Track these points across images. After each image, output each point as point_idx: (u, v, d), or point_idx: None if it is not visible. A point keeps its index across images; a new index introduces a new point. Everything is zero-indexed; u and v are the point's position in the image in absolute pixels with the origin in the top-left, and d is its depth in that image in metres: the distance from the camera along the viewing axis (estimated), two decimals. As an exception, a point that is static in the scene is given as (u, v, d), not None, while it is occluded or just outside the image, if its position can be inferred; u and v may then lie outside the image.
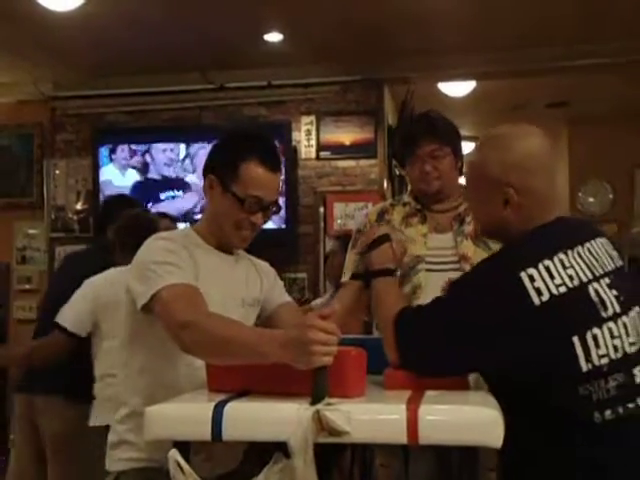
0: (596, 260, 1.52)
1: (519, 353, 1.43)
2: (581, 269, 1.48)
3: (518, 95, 5.81)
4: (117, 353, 1.91)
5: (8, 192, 5.51)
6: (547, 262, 1.46)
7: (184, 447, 1.36)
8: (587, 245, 1.53)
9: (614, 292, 1.49)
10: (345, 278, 2.34)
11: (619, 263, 1.57)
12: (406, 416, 1.29)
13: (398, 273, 1.96)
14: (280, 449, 1.31)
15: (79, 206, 5.41)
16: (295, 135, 5.17)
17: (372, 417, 1.33)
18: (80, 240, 5.05)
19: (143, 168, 5.23)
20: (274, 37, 4.64)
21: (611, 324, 1.46)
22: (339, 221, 5.10)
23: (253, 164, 1.76)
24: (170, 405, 1.43)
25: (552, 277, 1.45)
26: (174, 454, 1.31)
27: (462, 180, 2.21)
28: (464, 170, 1.87)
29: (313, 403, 1.31)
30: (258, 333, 1.52)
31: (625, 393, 1.43)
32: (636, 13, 4.23)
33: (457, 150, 2.32)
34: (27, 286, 5.41)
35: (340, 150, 5.18)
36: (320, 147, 5.20)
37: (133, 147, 5.24)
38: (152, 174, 5.21)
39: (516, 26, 4.46)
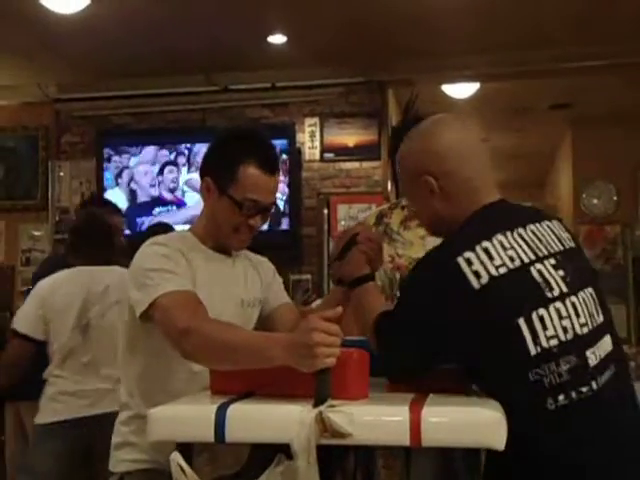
0: (539, 241, 1.48)
1: (468, 341, 1.41)
2: (522, 250, 1.45)
3: (521, 97, 5.81)
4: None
5: (13, 194, 5.53)
6: (485, 244, 1.43)
7: (187, 449, 1.37)
8: (530, 227, 1.50)
9: (560, 272, 1.45)
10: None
11: (570, 244, 1.53)
12: (409, 418, 1.29)
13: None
14: (283, 451, 1.31)
15: (83, 208, 5.42)
16: (299, 137, 5.18)
17: (375, 419, 1.33)
18: (84, 242, 5.05)
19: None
20: (278, 39, 4.65)
21: (558, 304, 1.41)
22: (343, 223, 5.10)
23: (251, 167, 1.73)
24: (173, 407, 1.43)
25: (491, 258, 1.41)
26: (176, 457, 1.32)
27: None
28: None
29: (316, 405, 1.31)
30: (260, 337, 1.51)
31: (578, 377, 1.38)
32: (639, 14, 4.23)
33: None
34: (31, 287, 5.41)
35: (344, 152, 5.18)
36: (324, 149, 5.20)
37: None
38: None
39: (519, 28, 4.46)
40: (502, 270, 1.41)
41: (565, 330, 1.40)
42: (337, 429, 1.28)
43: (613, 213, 6.44)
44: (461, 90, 5.51)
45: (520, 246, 1.45)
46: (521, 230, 1.48)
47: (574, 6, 4.17)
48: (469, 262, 1.41)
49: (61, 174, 5.48)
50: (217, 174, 1.77)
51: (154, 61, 4.88)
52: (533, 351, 1.38)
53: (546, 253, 1.47)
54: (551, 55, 4.84)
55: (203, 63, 4.95)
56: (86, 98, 5.43)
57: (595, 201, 6.50)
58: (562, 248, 1.51)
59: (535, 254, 1.46)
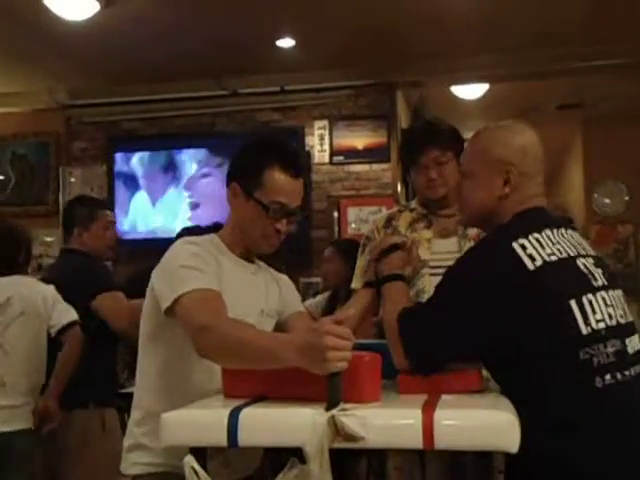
0: (578, 243, 1.60)
1: (519, 319, 1.45)
2: (567, 246, 1.56)
3: (531, 97, 5.79)
4: None
5: (24, 200, 5.56)
6: (536, 235, 1.53)
7: (200, 453, 1.37)
8: (568, 230, 1.62)
9: (599, 270, 1.56)
10: (355, 284, 2.34)
11: (594, 252, 1.64)
12: (422, 421, 1.29)
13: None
14: (295, 455, 1.31)
15: (95, 214, 5.44)
16: (308, 140, 5.19)
17: (387, 422, 1.32)
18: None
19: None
20: (287, 43, 4.66)
21: (603, 293, 1.52)
22: (353, 225, 5.10)
23: (276, 170, 1.77)
24: (186, 411, 1.43)
25: (542, 247, 1.51)
26: (190, 460, 1.32)
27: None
28: (462, 155, 1.84)
29: (328, 409, 1.31)
30: (274, 338, 1.53)
31: (621, 360, 1.46)
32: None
33: (459, 153, 2.34)
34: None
35: (353, 154, 5.18)
36: (333, 152, 5.20)
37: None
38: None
39: (528, 28, 4.45)
40: (553, 258, 1.51)
41: (610, 317, 1.50)
42: (350, 433, 1.28)
43: (625, 213, 6.41)
44: (470, 91, 5.50)
45: (564, 241, 1.56)
46: (562, 230, 1.60)
47: (583, 6, 4.15)
48: (523, 247, 1.50)
49: (72, 180, 5.51)
50: (243, 179, 1.80)
51: (163, 66, 4.90)
52: (584, 331, 1.45)
53: (584, 253, 1.59)
54: (560, 55, 4.82)
55: (212, 67, 4.97)
56: (96, 104, 5.46)
57: (607, 201, 6.47)
58: (593, 253, 1.63)
59: (577, 251, 1.57)
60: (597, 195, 6.50)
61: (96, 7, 3.97)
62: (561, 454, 1.42)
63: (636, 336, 1.55)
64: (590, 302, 1.48)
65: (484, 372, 1.60)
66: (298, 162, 1.84)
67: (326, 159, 5.21)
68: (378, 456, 2.02)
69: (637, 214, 6.33)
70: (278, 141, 1.91)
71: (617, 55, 4.77)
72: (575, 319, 1.45)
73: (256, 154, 1.83)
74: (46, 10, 3.92)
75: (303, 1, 4.07)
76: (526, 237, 1.52)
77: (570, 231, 1.62)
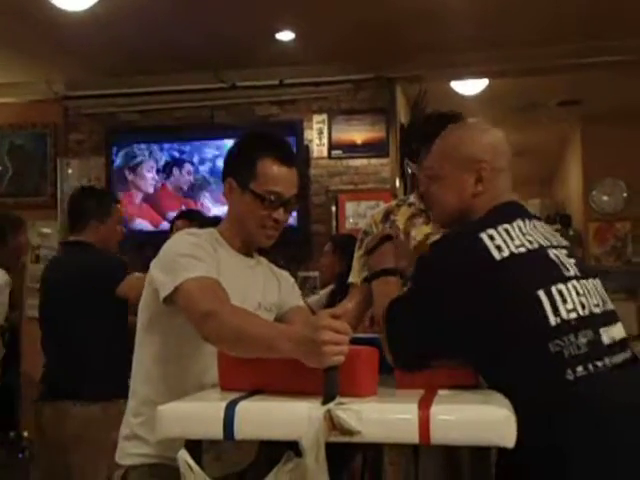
0: (551, 235, 1.61)
1: (487, 311, 1.45)
2: (539, 236, 1.56)
3: (531, 93, 5.79)
4: None
5: (21, 191, 5.55)
6: (506, 225, 1.53)
7: (196, 446, 1.37)
8: (540, 222, 1.63)
9: (572, 260, 1.56)
10: (352, 278, 2.33)
11: (567, 243, 1.65)
12: (418, 416, 1.29)
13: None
14: (291, 448, 1.31)
15: (92, 205, 5.43)
16: (307, 134, 5.18)
17: (384, 417, 1.32)
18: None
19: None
20: (286, 36, 4.64)
21: (575, 282, 1.50)
22: (351, 220, 5.09)
23: (269, 161, 1.79)
24: (182, 404, 1.43)
25: (511, 238, 1.51)
26: (183, 454, 1.32)
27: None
28: (429, 158, 1.80)
29: (324, 402, 1.31)
30: (273, 328, 1.54)
31: (594, 351, 1.44)
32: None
33: None
34: (38, 285, 5.42)
35: (352, 149, 5.18)
36: (332, 146, 5.19)
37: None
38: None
39: (528, 24, 4.44)
40: (522, 249, 1.50)
41: (582, 306, 1.48)
42: (346, 427, 1.28)
43: (623, 210, 6.42)
44: (470, 86, 5.49)
45: (536, 233, 1.56)
46: (535, 221, 1.60)
47: (584, 2, 4.14)
48: (491, 237, 1.50)
49: (70, 171, 5.49)
50: (237, 172, 1.83)
51: (162, 58, 4.89)
52: (553, 322, 1.43)
53: (556, 244, 1.58)
54: (560, 51, 4.81)
55: (211, 60, 4.95)
56: (94, 96, 5.44)
57: (605, 198, 6.48)
58: (565, 243, 1.63)
59: (549, 241, 1.57)
60: (595, 192, 6.50)
61: (95, -2, 3.95)
62: (540, 447, 1.41)
63: (615, 326, 1.53)
64: (560, 292, 1.47)
65: None
66: (290, 151, 1.87)
67: (325, 153, 5.21)
68: (373, 451, 2.02)
69: (635, 211, 6.34)
70: (269, 133, 1.94)
71: (617, 52, 4.76)
72: (544, 310, 1.44)
73: (248, 147, 1.85)
74: (45, 1, 3.91)
75: (303, -6, 4.07)
76: (494, 228, 1.52)
77: (540, 222, 1.63)
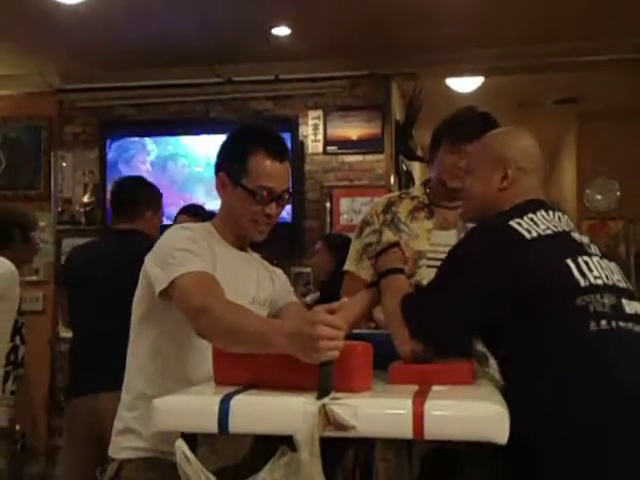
0: (573, 225, 1.74)
1: (519, 279, 1.55)
2: (563, 224, 1.69)
3: (526, 91, 5.79)
4: None
5: (15, 184, 5.53)
6: (531, 215, 1.67)
7: (191, 439, 1.37)
8: (563, 215, 1.74)
9: (594, 245, 1.69)
10: (348, 266, 2.34)
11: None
12: (412, 411, 1.30)
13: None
14: (286, 443, 1.31)
15: (86, 199, 5.42)
16: (302, 130, 5.17)
17: (378, 412, 1.33)
18: (87, 232, 5.06)
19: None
20: (282, 31, 4.64)
21: (598, 259, 1.63)
22: (345, 216, 5.10)
23: (260, 155, 1.79)
24: (177, 397, 1.44)
25: (537, 225, 1.64)
26: (181, 444, 1.32)
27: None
28: (470, 156, 1.94)
29: (319, 397, 1.31)
30: (267, 323, 1.54)
31: (618, 313, 1.54)
32: (646, 9, 4.22)
33: None
34: (34, 278, 5.41)
35: (347, 145, 5.18)
36: (327, 142, 5.19)
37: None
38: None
39: (524, 21, 4.45)
40: (548, 232, 1.64)
41: (607, 277, 1.60)
42: (340, 421, 1.28)
43: (616, 209, 6.43)
44: (465, 84, 5.50)
45: (559, 222, 1.69)
46: (558, 213, 1.73)
47: (579, 0, 4.15)
48: (519, 224, 1.63)
49: (64, 164, 5.48)
50: (229, 168, 1.82)
51: (157, 52, 4.87)
52: (582, 283, 1.55)
53: (576, 230, 1.72)
54: (556, 49, 4.82)
55: (207, 55, 4.94)
56: (89, 89, 5.42)
57: (598, 197, 6.50)
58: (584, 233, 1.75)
59: (570, 228, 1.70)
60: (589, 191, 6.52)
61: (91, -9, 3.95)
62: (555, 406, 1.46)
63: (636, 302, 1.61)
64: (586, 262, 1.59)
65: (476, 364, 1.61)
66: (282, 146, 1.86)
67: (320, 149, 5.20)
68: (365, 447, 2.03)
69: (628, 210, 6.36)
70: (261, 127, 1.93)
71: (613, 51, 4.77)
72: (572, 274, 1.56)
73: (240, 142, 1.85)
74: (40, -7, 3.90)
75: (300, -11, 4.06)
76: (521, 217, 1.65)
77: (566, 216, 1.75)
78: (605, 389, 1.45)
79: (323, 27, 4.56)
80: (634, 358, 1.50)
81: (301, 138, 5.14)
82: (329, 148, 5.19)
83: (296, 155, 4.96)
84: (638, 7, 4.21)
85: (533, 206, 1.72)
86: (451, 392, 1.46)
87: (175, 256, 1.67)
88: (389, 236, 2.28)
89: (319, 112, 5.20)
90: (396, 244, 1.91)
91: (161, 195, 3.22)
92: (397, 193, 2.47)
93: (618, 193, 6.44)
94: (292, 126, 5.02)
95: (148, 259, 1.76)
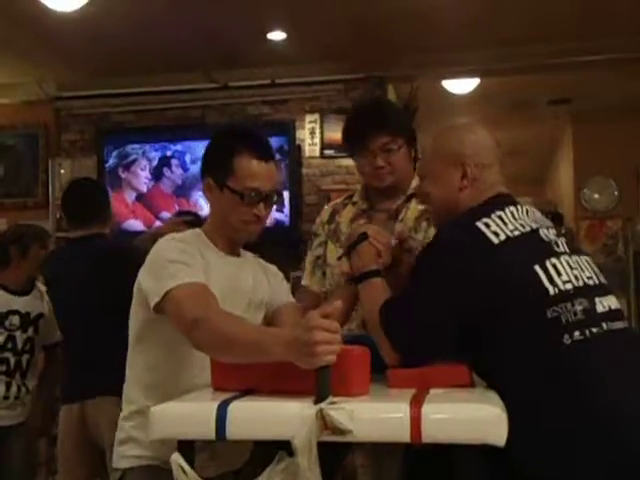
0: (540, 218, 1.70)
1: (487, 290, 1.51)
2: (529, 220, 1.64)
3: (522, 92, 5.80)
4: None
5: (13, 192, 5.52)
6: (499, 212, 1.62)
7: (188, 446, 1.37)
8: (530, 208, 1.71)
9: (561, 239, 1.64)
10: (304, 281, 2.27)
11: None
12: (409, 414, 1.30)
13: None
14: (284, 448, 1.31)
15: (84, 206, 5.42)
16: (299, 133, 5.17)
17: (375, 416, 1.33)
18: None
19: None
20: (277, 36, 4.64)
21: (567, 257, 1.59)
22: (343, 219, 5.09)
23: (245, 157, 1.78)
24: (174, 404, 1.43)
25: (505, 224, 1.59)
26: (177, 457, 1.32)
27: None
28: (421, 157, 1.86)
29: (317, 402, 1.31)
30: (262, 332, 1.53)
31: (590, 318, 1.51)
32: (639, 9, 4.22)
33: (411, 139, 2.18)
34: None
35: (344, 148, 5.16)
36: (324, 145, 5.19)
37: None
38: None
39: (519, 22, 4.45)
40: (516, 233, 1.59)
41: (576, 278, 1.56)
42: (338, 426, 1.28)
43: (614, 208, 6.44)
44: (461, 85, 5.50)
45: (527, 217, 1.65)
46: (526, 207, 1.69)
47: (573, 1, 4.16)
48: (487, 225, 1.58)
49: (62, 172, 5.47)
50: (215, 171, 1.81)
51: (153, 58, 4.88)
52: (551, 291, 1.51)
53: (546, 225, 1.67)
54: (551, 50, 4.82)
55: (203, 60, 4.94)
56: (86, 96, 5.42)
57: (596, 196, 6.50)
58: (551, 224, 1.71)
59: (538, 224, 1.65)
60: (587, 190, 6.52)
61: (85, -2, 3.95)
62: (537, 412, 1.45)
63: (611, 296, 1.61)
64: (554, 265, 1.55)
65: None
66: (267, 146, 1.84)
67: (317, 153, 5.20)
68: (345, 453, 2.01)
69: (626, 209, 6.36)
70: (244, 128, 1.95)
71: (607, 51, 4.77)
72: (541, 281, 1.52)
73: (223, 144, 1.84)
74: (35, 1, 3.89)
75: (294, -6, 4.06)
76: (489, 216, 1.60)
77: (533, 208, 1.71)
78: (576, 413, 1.43)
79: (319, 31, 4.57)
80: (610, 372, 1.47)
81: (298, 142, 5.14)
82: (326, 152, 5.19)
83: (293, 159, 4.97)
84: (631, 7, 4.21)
85: (500, 202, 1.67)
86: (448, 395, 1.46)
87: (167, 268, 1.66)
88: (332, 249, 2.23)
89: (316, 116, 5.20)
90: (365, 236, 1.81)
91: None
92: (342, 198, 2.37)
93: (616, 192, 6.44)
94: (289, 130, 5.02)
95: (142, 271, 1.75)
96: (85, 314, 2.90)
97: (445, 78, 5.40)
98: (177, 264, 1.67)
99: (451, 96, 5.59)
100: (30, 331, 3.39)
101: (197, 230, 1.89)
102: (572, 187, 6.67)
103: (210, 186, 1.82)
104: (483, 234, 1.56)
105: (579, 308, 1.50)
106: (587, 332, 1.48)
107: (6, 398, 3.33)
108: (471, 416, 1.32)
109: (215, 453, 1.64)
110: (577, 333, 1.47)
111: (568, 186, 6.95)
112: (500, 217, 1.60)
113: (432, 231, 2.12)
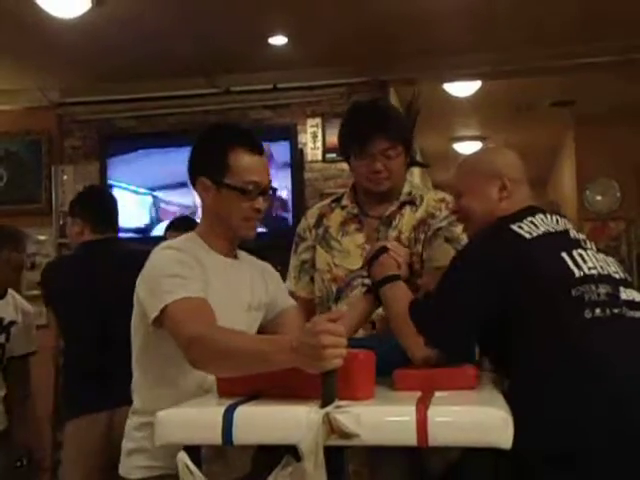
0: (568, 223, 1.80)
1: (519, 278, 1.59)
2: (559, 225, 1.75)
3: (523, 94, 5.80)
4: None
5: (16, 198, 5.52)
6: (530, 218, 1.72)
7: (195, 452, 1.37)
8: (560, 217, 1.80)
9: (589, 241, 1.75)
10: (289, 286, 2.23)
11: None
12: (415, 418, 1.30)
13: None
14: (290, 452, 1.31)
15: (87, 212, 5.42)
16: (301, 137, 5.18)
17: (382, 419, 1.33)
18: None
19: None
20: (279, 40, 4.65)
21: (594, 252, 1.69)
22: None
23: (240, 152, 1.77)
24: (180, 410, 1.44)
25: (537, 227, 1.70)
26: (183, 457, 1.32)
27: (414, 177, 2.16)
28: (455, 179, 1.91)
29: (323, 406, 1.31)
30: (266, 341, 1.52)
31: (613, 301, 1.59)
32: (640, 11, 4.22)
33: (409, 146, 2.19)
34: (36, 292, 5.41)
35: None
36: (326, 149, 5.19)
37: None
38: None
39: (520, 25, 4.46)
40: (547, 231, 1.70)
41: (602, 268, 1.65)
42: (344, 430, 1.28)
43: (617, 210, 6.43)
44: (463, 88, 5.51)
45: (556, 224, 1.75)
46: (555, 216, 1.79)
47: (575, 3, 4.16)
48: (520, 227, 1.69)
49: (65, 178, 5.48)
50: (209, 170, 1.79)
51: (155, 64, 4.88)
52: (577, 274, 1.60)
53: (575, 229, 1.78)
54: (553, 52, 4.82)
55: (204, 65, 4.95)
56: (88, 102, 5.43)
57: (599, 198, 6.49)
58: (578, 230, 1.82)
59: (568, 228, 1.76)
60: (589, 192, 6.52)
61: (87, 5, 3.95)
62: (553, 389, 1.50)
63: (634, 291, 1.67)
64: (581, 255, 1.65)
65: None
66: (256, 140, 1.83)
67: (319, 157, 5.21)
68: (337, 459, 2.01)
69: (629, 211, 6.36)
70: (230, 124, 1.94)
71: (609, 52, 4.77)
72: (568, 266, 1.61)
73: (214, 142, 1.82)
74: (37, 8, 3.91)
75: (295, -2, 4.07)
76: (521, 221, 1.71)
77: (565, 219, 1.81)
78: (593, 382, 1.48)
79: (320, 35, 4.57)
80: (627, 347, 1.54)
81: (300, 146, 5.14)
82: (328, 155, 5.19)
83: (295, 163, 4.97)
84: (632, 9, 4.21)
85: (531, 211, 1.77)
86: (454, 398, 1.46)
87: (164, 283, 1.65)
88: (321, 254, 2.22)
89: (317, 120, 5.20)
90: (384, 249, 1.87)
91: None
92: (328, 201, 2.34)
93: (618, 194, 6.43)
94: (291, 134, 5.03)
95: (139, 284, 1.74)
96: (112, 316, 2.79)
97: (447, 81, 5.40)
98: (174, 278, 1.65)
99: (453, 99, 5.59)
100: (2, 338, 3.24)
101: (191, 234, 1.86)
102: (575, 189, 6.66)
103: (205, 186, 1.80)
104: (516, 232, 1.67)
105: (603, 291, 1.58)
106: (608, 311, 1.56)
107: None
108: (477, 419, 1.32)
109: (228, 460, 1.64)
110: (598, 310, 1.55)
111: (571, 188, 6.95)
112: (532, 222, 1.71)
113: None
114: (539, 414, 1.48)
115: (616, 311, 1.57)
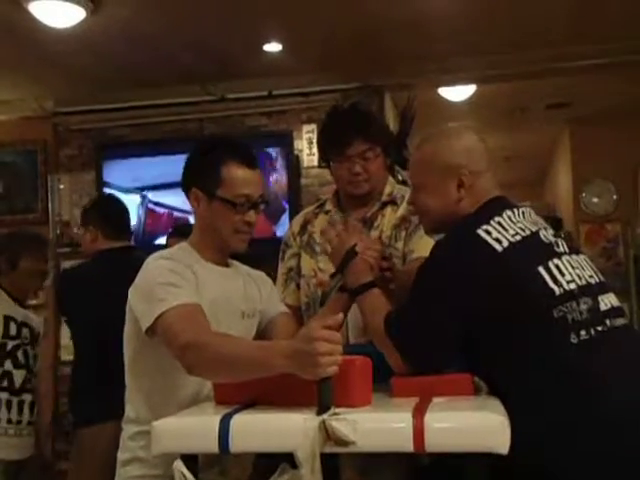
0: (537, 218, 1.71)
1: (495, 297, 1.52)
2: (528, 223, 1.65)
3: (518, 97, 5.81)
4: None
5: (13, 208, 5.53)
6: (497, 218, 1.62)
7: (192, 460, 1.37)
8: (526, 209, 1.72)
9: (559, 240, 1.66)
10: (285, 299, 2.21)
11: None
12: (412, 424, 1.29)
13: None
14: (287, 460, 1.31)
15: (84, 220, 5.42)
16: (297, 144, 5.18)
17: (378, 426, 1.33)
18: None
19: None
20: (274, 47, 4.66)
21: (568, 257, 1.62)
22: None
23: (232, 165, 1.79)
24: (177, 419, 1.43)
25: (505, 230, 1.60)
26: (178, 465, 1.32)
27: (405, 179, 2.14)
28: (410, 169, 1.84)
29: (319, 413, 1.31)
30: (261, 347, 1.52)
31: (595, 316, 1.54)
32: (635, 13, 4.23)
33: (388, 149, 2.20)
34: (34, 301, 5.40)
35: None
36: (322, 155, 5.20)
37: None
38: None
39: (514, 28, 4.47)
40: (517, 237, 1.60)
41: (579, 277, 1.59)
42: (341, 437, 1.28)
43: (613, 212, 6.43)
44: (458, 93, 5.52)
45: (524, 220, 1.66)
46: (523, 209, 1.70)
47: (569, 5, 4.17)
48: (488, 232, 1.59)
49: (61, 187, 5.48)
50: (202, 182, 1.81)
51: (150, 72, 4.89)
52: (557, 292, 1.53)
53: (543, 226, 1.69)
54: (547, 55, 4.83)
55: (200, 73, 4.95)
56: (83, 111, 5.43)
57: (595, 200, 6.50)
58: (547, 225, 1.72)
59: (537, 226, 1.67)
60: (585, 194, 6.52)
61: (82, 14, 3.96)
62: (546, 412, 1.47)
63: (612, 294, 1.64)
64: (557, 266, 1.57)
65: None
66: (252, 153, 1.85)
67: (315, 163, 5.19)
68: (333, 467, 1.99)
69: (625, 213, 6.36)
70: (226, 138, 1.96)
71: (604, 55, 4.78)
72: (546, 282, 1.54)
73: (208, 155, 1.84)
74: (32, 18, 3.91)
75: (289, 6, 4.07)
76: (488, 223, 1.60)
77: (527, 209, 1.72)
78: (581, 411, 1.46)
79: (314, 41, 4.58)
80: (616, 370, 1.50)
81: (296, 152, 5.15)
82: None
83: (292, 169, 4.98)
84: (628, 11, 4.23)
85: (497, 207, 1.67)
86: (451, 404, 1.46)
87: (157, 291, 1.65)
88: (306, 260, 2.22)
89: (313, 126, 5.20)
90: (354, 253, 1.84)
91: None
92: (313, 207, 2.36)
93: (614, 196, 6.44)
94: (287, 141, 5.04)
95: (132, 293, 1.74)
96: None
97: (442, 85, 5.41)
98: (166, 286, 1.65)
99: (448, 103, 5.60)
100: (37, 349, 3.24)
101: (184, 244, 1.87)
102: (571, 191, 6.67)
103: (198, 197, 1.82)
104: (485, 242, 1.57)
105: (584, 307, 1.53)
106: (592, 331, 1.51)
107: (19, 422, 3.08)
108: (474, 425, 1.32)
109: (226, 468, 1.64)
110: (583, 332, 1.50)
111: (567, 190, 6.95)
112: (499, 223, 1.61)
113: (415, 240, 2.12)
114: (534, 438, 1.45)
115: (599, 329, 1.53)
